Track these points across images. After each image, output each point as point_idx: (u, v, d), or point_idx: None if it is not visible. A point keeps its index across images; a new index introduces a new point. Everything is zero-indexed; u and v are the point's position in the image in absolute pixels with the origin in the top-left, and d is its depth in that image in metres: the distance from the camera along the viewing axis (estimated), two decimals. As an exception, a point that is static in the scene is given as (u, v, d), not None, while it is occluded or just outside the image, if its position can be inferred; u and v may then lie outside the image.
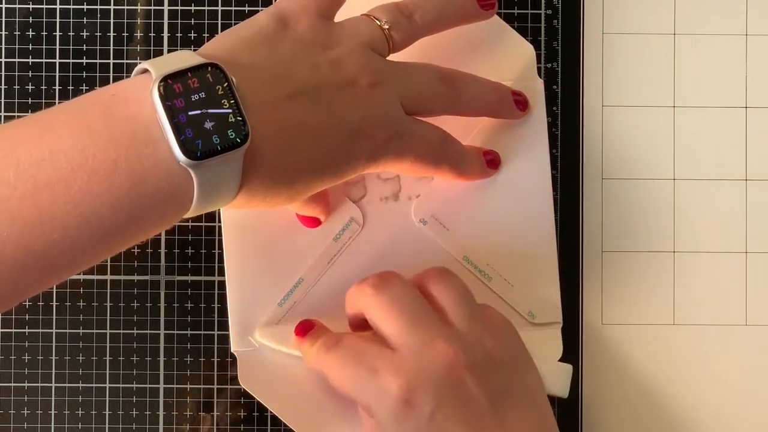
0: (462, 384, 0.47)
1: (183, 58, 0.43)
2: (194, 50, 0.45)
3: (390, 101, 0.49)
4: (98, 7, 0.59)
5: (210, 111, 0.42)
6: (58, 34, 0.59)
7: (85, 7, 0.59)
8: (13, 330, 0.58)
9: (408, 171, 0.52)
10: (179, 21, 0.59)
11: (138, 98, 0.42)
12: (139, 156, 0.41)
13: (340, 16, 0.51)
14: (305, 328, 0.52)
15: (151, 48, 0.58)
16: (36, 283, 0.43)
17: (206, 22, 0.59)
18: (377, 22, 0.50)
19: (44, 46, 0.58)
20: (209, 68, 0.43)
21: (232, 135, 0.43)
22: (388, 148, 0.49)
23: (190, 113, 0.42)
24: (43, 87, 0.58)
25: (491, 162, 0.56)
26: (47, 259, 0.41)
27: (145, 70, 0.43)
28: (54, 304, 0.58)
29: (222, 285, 0.57)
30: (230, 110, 0.43)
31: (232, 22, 0.58)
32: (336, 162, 0.48)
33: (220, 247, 0.57)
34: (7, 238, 0.40)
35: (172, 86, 0.42)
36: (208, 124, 0.42)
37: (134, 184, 0.41)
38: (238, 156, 0.43)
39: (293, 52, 0.47)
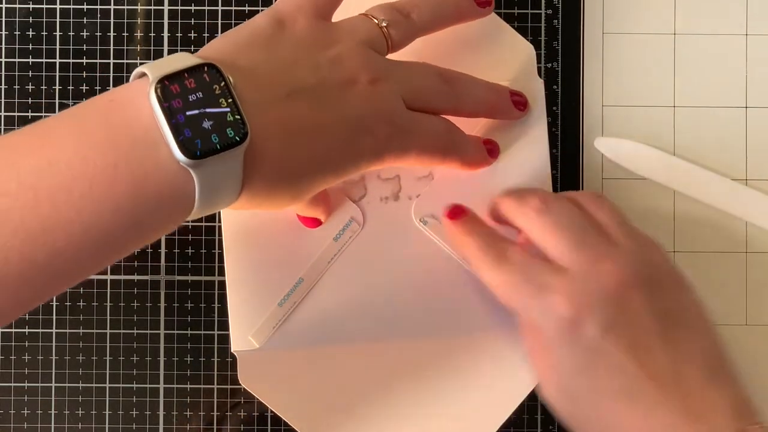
0: (630, 304, 0.48)
1: (179, 60, 0.43)
2: (193, 52, 0.45)
3: (392, 97, 0.49)
4: (98, 7, 0.59)
5: (208, 110, 0.42)
6: (58, 34, 0.59)
7: (85, 7, 0.59)
8: (13, 330, 0.58)
9: (414, 164, 0.52)
10: (179, 21, 0.59)
11: (136, 102, 0.42)
12: (140, 159, 0.41)
13: (336, 18, 0.51)
14: (456, 212, 0.53)
15: (151, 48, 0.58)
16: (42, 292, 0.42)
17: (206, 22, 0.59)
18: (375, 21, 0.50)
19: (44, 46, 0.59)
20: (206, 68, 0.43)
21: (231, 134, 0.43)
22: (392, 144, 0.49)
23: (188, 113, 0.42)
24: (43, 87, 0.58)
25: (491, 151, 0.56)
26: (52, 268, 0.41)
27: (143, 74, 0.43)
28: (54, 304, 0.58)
29: (222, 285, 0.57)
30: (228, 109, 0.43)
31: (232, 22, 0.59)
32: (339, 160, 0.48)
33: (220, 247, 0.57)
34: (11, 250, 0.40)
35: (168, 87, 0.42)
36: (207, 124, 0.42)
37: (136, 187, 0.41)
38: (238, 154, 0.43)
39: (292, 53, 0.47)
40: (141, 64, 0.58)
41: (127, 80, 0.58)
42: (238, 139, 0.43)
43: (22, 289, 0.41)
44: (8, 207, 0.40)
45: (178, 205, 0.43)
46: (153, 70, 0.43)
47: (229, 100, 0.43)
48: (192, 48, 0.58)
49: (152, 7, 0.59)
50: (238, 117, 0.43)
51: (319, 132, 0.46)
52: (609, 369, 0.47)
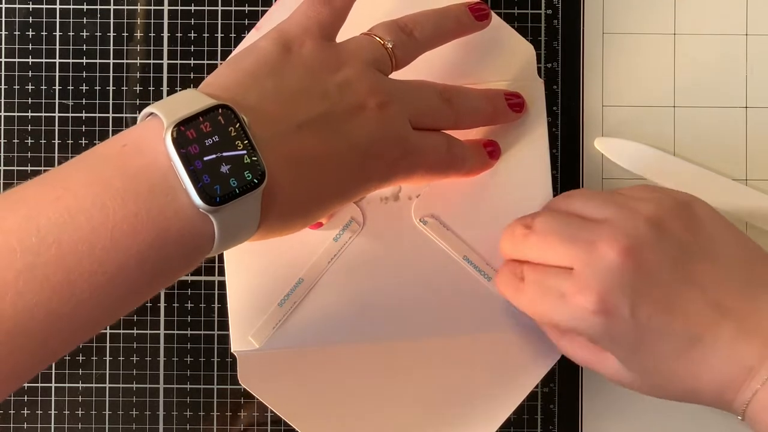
0: (642, 265, 0.48)
1: (191, 100, 0.43)
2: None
3: (399, 121, 0.49)
4: (98, 7, 0.59)
5: (225, 154, 0.42)
6: (58, 34, 0.59)
7: (85, 7, 0.59)
8: (14, 330, 0.58)
9: (418, 182, 0.52)
10: (179, 21, 0.59)
11: (151, 147, 0.42)
12: (160, 207, 0.41)
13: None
14: None
15: (151, 48, 0.58)
16: (69, 343, 0.42)
17: (206, 22, 0.59)
18: (380, 41, 0.50)
19: (44, 46, 0.59)
20: (220, 110, 0.42)
21: (248, 176, 0.42)
22: (400, 167, 0.49)
23: (205, 159, 0.41)
24: (43, 87, 0.59)
25: (492, 153, 0.56)
26: (78, 319, 0.40)
27: (151, 113, 0.43)
28: (54, 304, 0.58)
29: (222, 285, 0.57)
30: (245, 151, 0.42)
31: (232, 22, 0.58)
32: (349, 187, 0.48)
33: (220, 247, 0.57)
34: (37, 305, 0.39)
35: (184, 133, 0.41)
36: (224, 168, 0.42)
37: (158, 235, 0.41)
38: (256, 196, 0.43)
39: (300, 80, 0.46)
40: (141, 64, 0.58)
41: (126, 82, 0.59)
42: (256, 181, 0.42)
43: (49, 341, 0.40)
44: (32, 263, 0.39)
45: (198, 248, 0.43)
46: (166, 113, 0.42)
47: (245, 142, 0.42)
48: (191, 48, 0.58)
49: (152, 7, 0.59)
50: (255, 159, 0.42)
51: (330, 162, 0.46)
52: (657, 338, 0.48)
